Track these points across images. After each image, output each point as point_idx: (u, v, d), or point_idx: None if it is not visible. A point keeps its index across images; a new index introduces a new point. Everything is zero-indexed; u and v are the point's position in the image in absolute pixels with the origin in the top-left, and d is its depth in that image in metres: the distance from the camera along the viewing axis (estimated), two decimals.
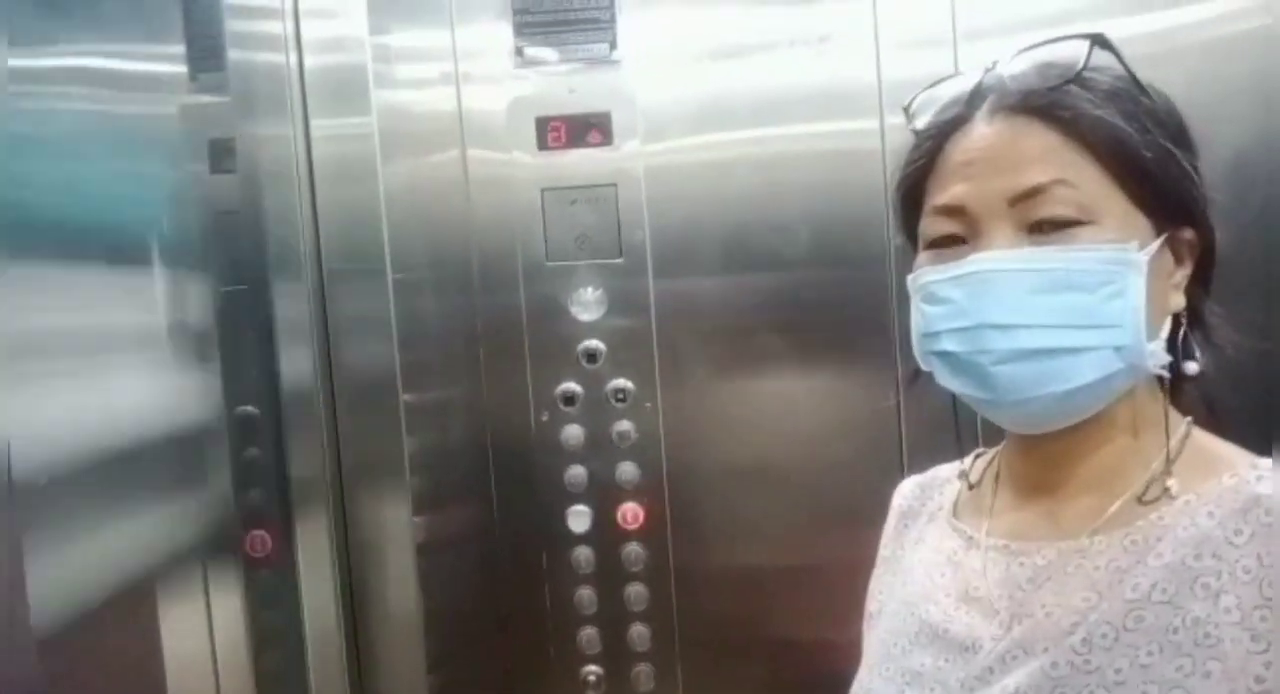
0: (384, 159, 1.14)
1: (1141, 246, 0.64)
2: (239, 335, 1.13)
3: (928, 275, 0.68)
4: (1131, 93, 0.66)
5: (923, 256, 0.70)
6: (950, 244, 0.68)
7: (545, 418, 1.22)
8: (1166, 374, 0.67)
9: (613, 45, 1.20)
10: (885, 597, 0.81)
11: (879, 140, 1.15)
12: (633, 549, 1.21)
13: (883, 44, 1.16)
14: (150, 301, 1.11)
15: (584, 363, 1.21)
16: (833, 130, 1.17)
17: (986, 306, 0.64)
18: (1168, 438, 0.67)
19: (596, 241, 1.21)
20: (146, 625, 1.05)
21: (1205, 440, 0.69)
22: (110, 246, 1.06)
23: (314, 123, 1.14)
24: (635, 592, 1.22)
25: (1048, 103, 0.65)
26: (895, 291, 1.14)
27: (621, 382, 1.21)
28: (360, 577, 1.17)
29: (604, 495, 1.22)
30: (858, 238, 1.16)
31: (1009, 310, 0.64)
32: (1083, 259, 0.63)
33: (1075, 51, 0.66)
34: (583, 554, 1.22)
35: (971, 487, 0.78)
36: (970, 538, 0.74)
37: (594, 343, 1.21)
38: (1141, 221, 0.65)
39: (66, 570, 0.91)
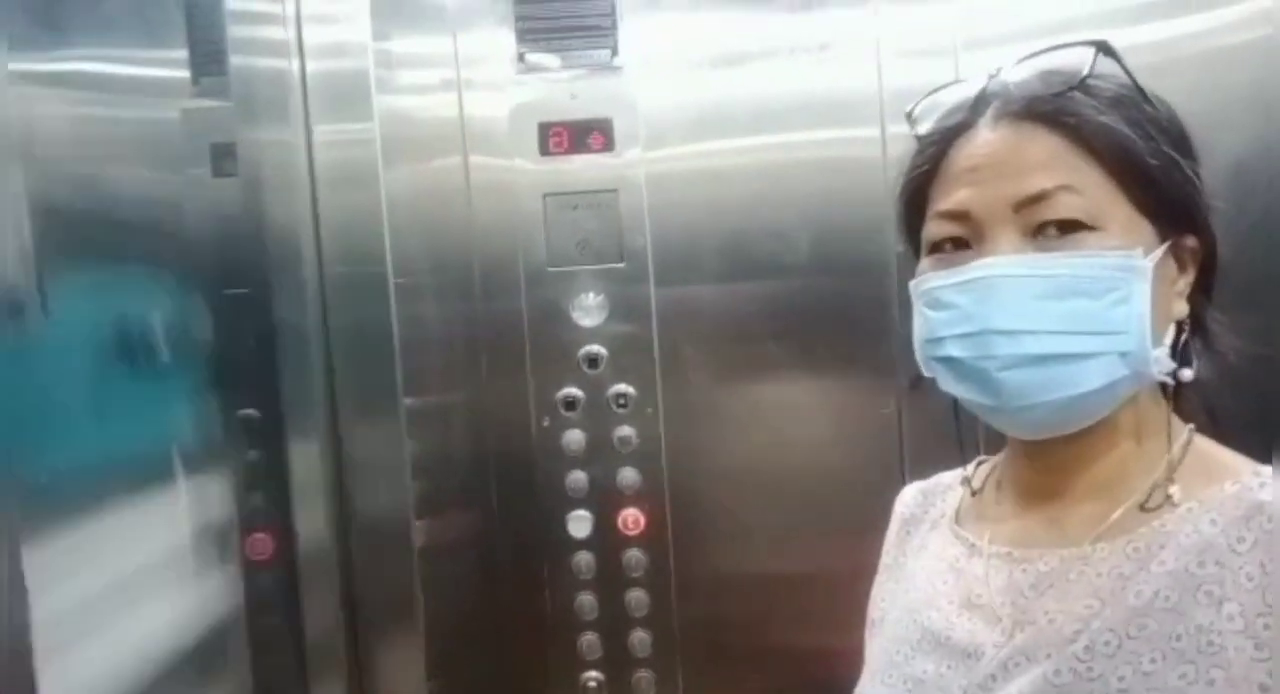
0: (386, 164, 1.14)
1: (1146, 253, 0.64)
2: (240, 339, 1.13)
3: (932, 280, 0.68)
4: (1135, 100, 0.66)
5: (926, 262, 0.70)
6: (954, 249, 0.68)
7: (546, 423, 1.22)
8: (1170, 380, 0.67)
9: (614, 52, 1.20)
10: (887, 604, 0.81)
11: (880, 148, 1.16)
12: (633, 554, 1.21)
13: (884, 52, 1.16)
14: (150, 304, 1.11)
15: (585, 368, 1.21)
16: (833, 138, 1.18)
17: (992, 312, 0.64)
18: (1170, 445, 0.67)
19: (598, 247, 1.21)
20: (146, 625, 1.05)
21: (1208, 447, 0.69)
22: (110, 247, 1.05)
23: (316, 128, 1.14)
24: (636, 597, 1.22)
25: (1052, 109, 0.65)
26: (896, 298, 1.14)
27: (623, 387, 1.21)
28: (361, 581, 1.16)
29: (605, 501, 1.22)
30: (858, 245, 1.16)
31: (1014, 316, 0.63)
32: (1089, 265, 0.63)
33: (1079, 58, 0.66)
34: (583, 559, 1.22)
35: (974, 493, 0.78)
36: (973, 545, 0.73)
37: (595, 348, 1.21)
38: (1145, 228, 0.65)
39: (66, 570, 0.91)
